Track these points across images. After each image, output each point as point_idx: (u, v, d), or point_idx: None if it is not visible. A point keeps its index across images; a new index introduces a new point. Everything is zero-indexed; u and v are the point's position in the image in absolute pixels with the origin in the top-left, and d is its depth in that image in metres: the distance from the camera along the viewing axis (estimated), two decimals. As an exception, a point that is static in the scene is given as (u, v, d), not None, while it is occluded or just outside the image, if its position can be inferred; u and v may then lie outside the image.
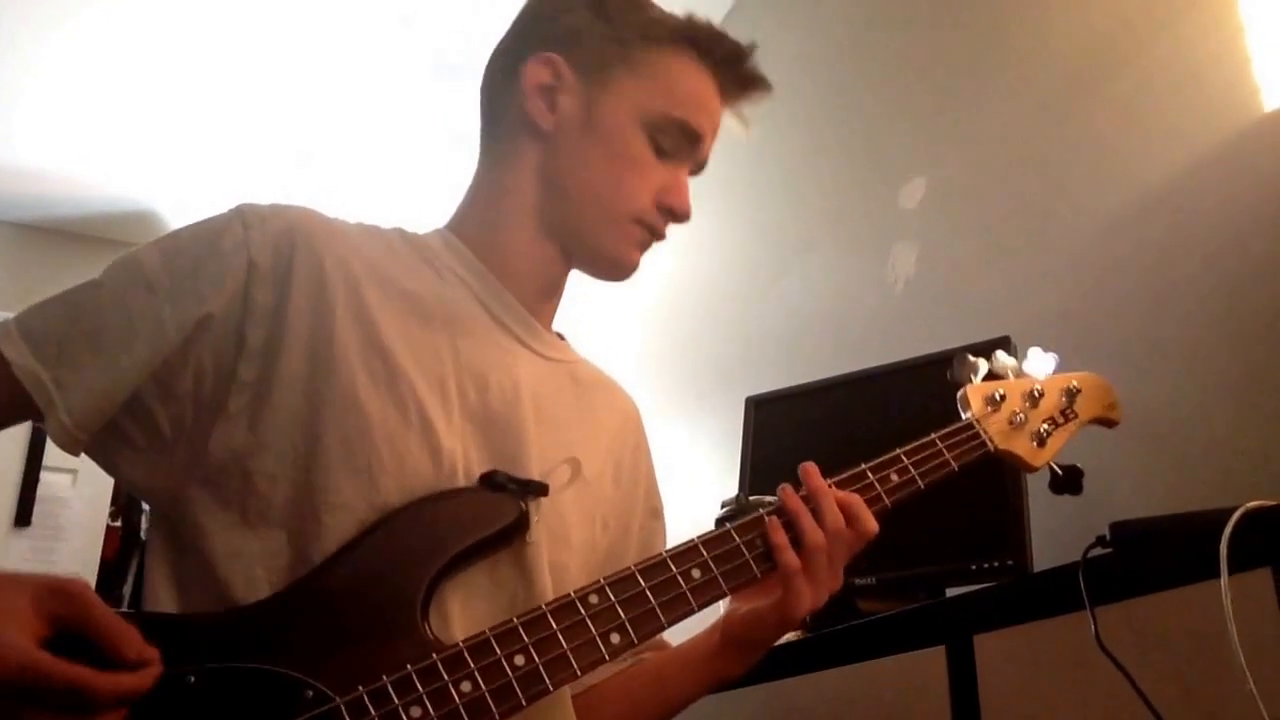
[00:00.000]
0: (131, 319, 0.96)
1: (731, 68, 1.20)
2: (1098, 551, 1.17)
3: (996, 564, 1.55)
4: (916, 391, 1.81)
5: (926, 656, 1.30)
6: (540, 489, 1.03)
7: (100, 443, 0.97)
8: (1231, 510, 1.03)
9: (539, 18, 1.20)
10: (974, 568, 1.57)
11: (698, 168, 1.22)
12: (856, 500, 1.07)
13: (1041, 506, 1.37)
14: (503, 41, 1.23)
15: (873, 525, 1.06)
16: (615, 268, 1.19)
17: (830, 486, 1.08)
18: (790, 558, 1.03)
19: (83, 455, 0.99)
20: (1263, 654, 0.95)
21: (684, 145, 1.17)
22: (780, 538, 1.04)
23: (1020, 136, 2.18)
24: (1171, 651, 1.07)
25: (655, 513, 1.26)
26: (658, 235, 1.18)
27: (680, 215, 1.17)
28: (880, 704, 1.36)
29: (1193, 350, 1.69)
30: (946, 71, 2.43)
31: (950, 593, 1.56)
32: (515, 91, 1.17)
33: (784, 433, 2.01)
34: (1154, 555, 1.14)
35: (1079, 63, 2.08)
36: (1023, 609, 1.23)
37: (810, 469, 1.08)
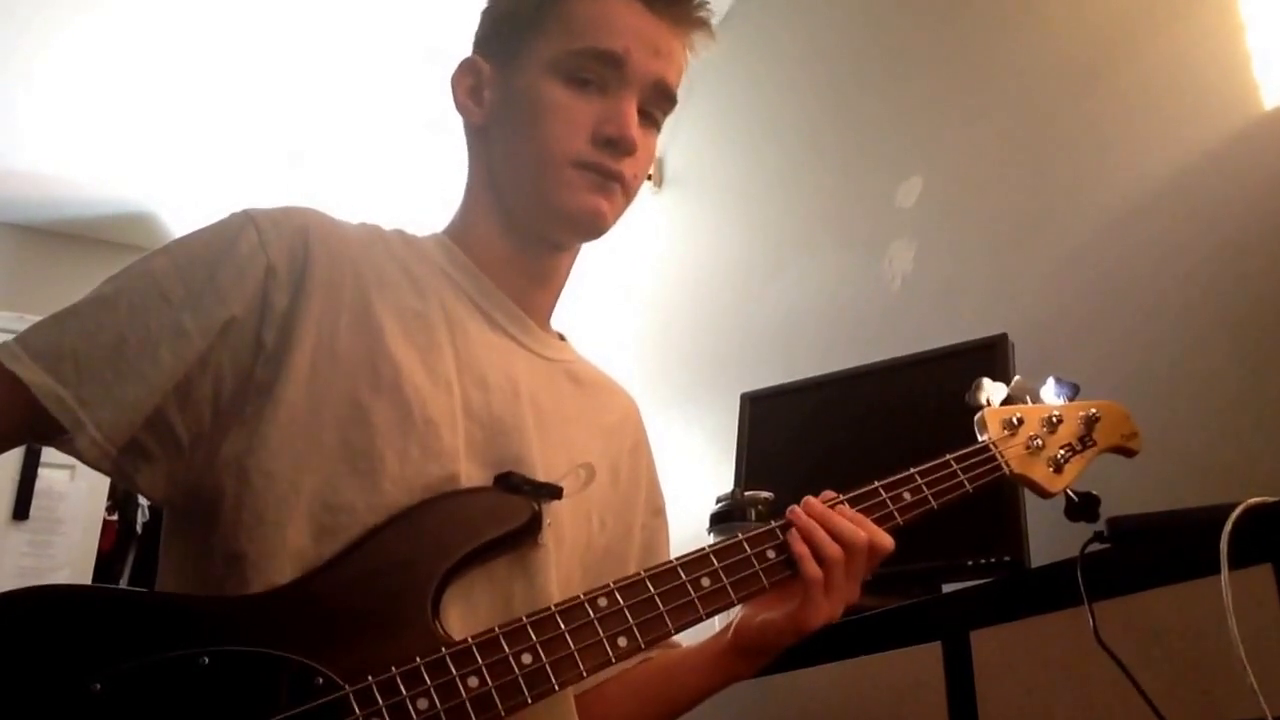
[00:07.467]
0: (151, 330, 0.95)
1: None
2: (1096, 547, 1.17)
3: (993, 560, 1.55)
4: (912, 388, 1.82)
5: (923, 652, 1.30)
6: (554, 492, 1.03)
7: (117, 459, 0.96)
8: (1232, 506, 1.03)
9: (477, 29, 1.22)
10: (971, 563, 1.57)
11: (653, 93, 1.13)
12: (865, 520, 1.09)
13: (1039, 502, 1.36)
14: None
15: (887, 540, 1.08)
16: (577, 220, 1.12)
17: (841, 503, 1.10)
18: (813, 568, 1.05)
19: None
20: (1263, 650, 0.95)
21: (607, 71, 1.10)
22: (803, 548, 1.05)
23: (1018, 134, 2.18)
24: (1171, 648, 1.07)
25: (657, 511, 1.27)
26: (610, 174, 1.11)
27: (618, 142, 1.09)
28: (876, 700, 1.36)
29: (1190, 348, 1.69)
30: (944, 70, 2.43)
31: (947, 588, 1.56)
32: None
33: (779, 429, 2.01)
34: (1153, 551, 1.14)
35: (1077, 61, 2.08)
36: (1020, 605, 1.23)
37: (809, 501, 1.10)
